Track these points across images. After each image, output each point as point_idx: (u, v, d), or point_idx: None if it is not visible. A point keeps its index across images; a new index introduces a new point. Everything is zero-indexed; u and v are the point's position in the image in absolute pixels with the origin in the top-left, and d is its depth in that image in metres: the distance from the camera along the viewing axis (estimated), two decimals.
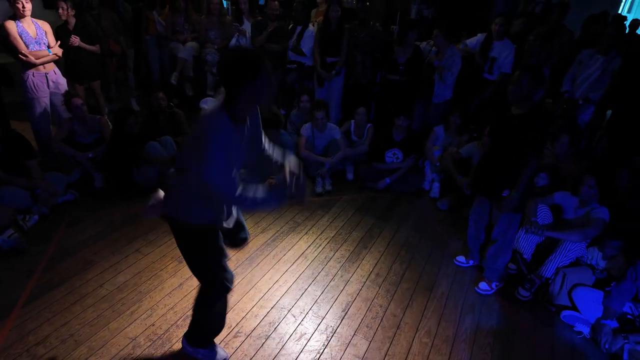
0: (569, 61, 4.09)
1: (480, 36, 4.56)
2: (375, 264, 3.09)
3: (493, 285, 2.91)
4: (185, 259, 1.95)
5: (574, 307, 2.72)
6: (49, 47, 3.72)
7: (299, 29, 4.68)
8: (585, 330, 2.63)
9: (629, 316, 2.57)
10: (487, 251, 2.91)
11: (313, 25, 4.83)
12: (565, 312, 2.72)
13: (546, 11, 5.09)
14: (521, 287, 2.91)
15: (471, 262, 3.16)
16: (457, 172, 3.80)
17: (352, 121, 4.41)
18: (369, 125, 4.37)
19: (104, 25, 4.75)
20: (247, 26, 5.05)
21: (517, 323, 2.70)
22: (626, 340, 2.45)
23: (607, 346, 2.49)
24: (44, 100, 3.77)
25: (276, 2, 4.74)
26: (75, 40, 4.15)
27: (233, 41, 5.15)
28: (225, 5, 6.08)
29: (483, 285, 2.92)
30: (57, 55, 3.77)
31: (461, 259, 3.20)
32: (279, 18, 4.87)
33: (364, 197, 4.02)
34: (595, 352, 2.53)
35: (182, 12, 5.28)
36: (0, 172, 3.17)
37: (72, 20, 4.18)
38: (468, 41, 4.71)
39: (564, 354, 2.51)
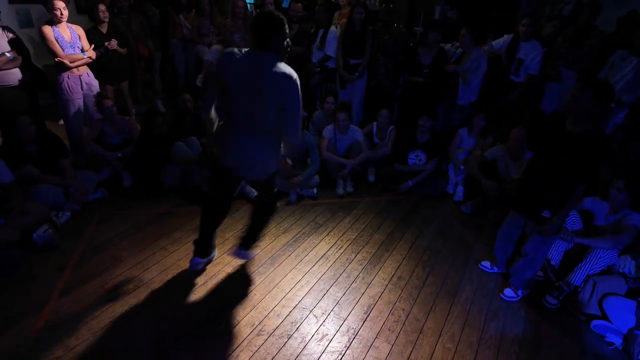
0: (602, 63, 3.96)
1: (507, 37, 4.48)
2: (398, 267, 3.07)
3: (519, 293, 2.84)
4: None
5: (604, 317, 2.63)
6: (82, 50, 3.86)
7: (321, 31, 4.71)
8: (618, 341, 2.53)
9: None
10: (516, 262, 2.84)
11: (336, 27, 4.85)
12: (595, 322, 2.63)
13: (576, 12, 4.94)
14: (549, 294, 2.83)
15: (495, 269, 3.10)
16: (482, 175, 3.73)
17: (375, 123, 4.40)
18: (391, 127, 4.36)
19: (133, 28, 4.90)
20: None
21: (544, 331, 2.63)
22: None
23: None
24: (78, 102, 3.91)
25: (299, 5, 4.78)
26: (114, 43, 4.32)
27: None
28: (249, 9, 6.17)
29: (508, 291, 2.86)
30: (91, 58, 3.92)
31: (486, 264, 3.14)
32: (301, 20, 4.91)
33: (385, 199, 4.00)
34: None
35: (207, 15, 5.39)
36: (35, 170, 3.31)
37: (106, 24, 4.34)
38: (494, 42, 4.63)
39: None
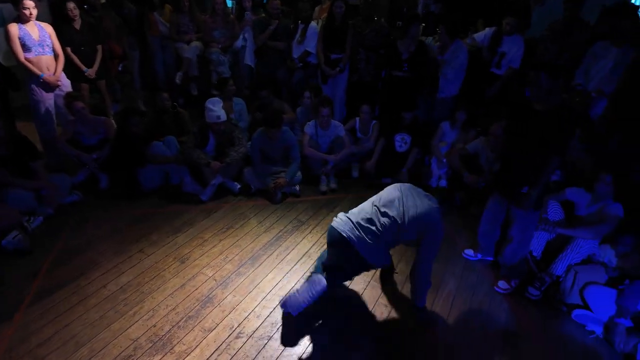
0: (584, 54, 3.96)
1: (488, 30, 4.45)
2: None
3: (512, 283, 2.84)
4: None
5: (586, 306, 2.63)
6: (53, 49, 3.74)
7: (301, 26, 4.64)
8: (598, 330, 2.54)
9: None
10: (504, 250, 2.83)
11: (317, 22, 4.79)
12: (577, 311, 2.64)
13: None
14: (531, 285, 2.82)
15: (479, 255, 3.11)
16: (464, 168, 3.72)
17: (357, 118, 4.36)
18: (374, 122, 4.32)
19: (105, 26, 4.78)
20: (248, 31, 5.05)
21: (527, 322, 2.62)
22: None
23: (621, 346, 2.40)
24: (49, 102, 3.79)
25: (277, 1, 4.71)
26: (91, 72, 4.44)
27: (239, 41, 5.14)
28: (229, 5, 6.07)
29: (502, 284, 2.85)
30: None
31: (469, 252, 3.16)
32: (282, 16, 4.84)
33: (369, 195, 3.93)
34: (609, 352, 2.44)
35: (186, 12, 5.28)
36: (5, 174, 3.19)
37: (79, 21, 4.22)
38: (476, 35, 4.61)
39: (576, 354, 2.42)
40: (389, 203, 2.40)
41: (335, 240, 2.39)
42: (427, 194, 2.48)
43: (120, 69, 5.18)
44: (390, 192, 2.49)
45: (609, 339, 2.48)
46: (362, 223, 2.36)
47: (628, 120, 3.56)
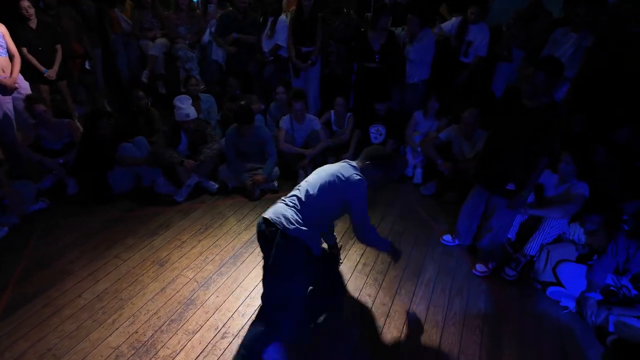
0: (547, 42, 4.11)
1: (455, 20, 4.54)
2: (362, 254, 3.06)
3: (490, 266, 2.93)
4: None
5: (559, 283, 2.76)
6: (8, 50, 3.53)
7: (270, 19, 4.58)
8: (571, 305, 2.66)
9: (612, 288, 2.62)
10: (483, 237, 2.90)
11: (286, 15, 4.73)
12: (551, 289, 2.76)
13: None
14: (507, 266, 2.93)
15: (457, 241, 3.19)
16: (438, 156, 3.80)
17: (332, 111, 4.36)
18: (349, 114, 4.33)
19: (64, 24, 4.55)
20: (214, 25, 4.93)
21: (505, 303, 2.72)
22: (610, 312, 2.49)
23: (592, 318, 2.53)
24: (7, 106, 3.58)
25: None
26: (52, 74, 4.21)
27: (206, 36, 5.01)
28: (195, 0, 5.90)
29: (480, 267, 2.93)
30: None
31: (447, 237, 3.23)
32: (249, 9, 4.75)
33: None
34: (581, 325, 2.56)
35: (149, 8, 5.10)
36: None
37: (35, 20, 4.00)
38: (443, 25, 4.69)
39: (551, 329, 2.54)
40: (304, 183, 2.21)
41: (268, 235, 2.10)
42: (354, 166, 2.23)
43: (87, 67, 4.94)
44: (313, 174, 2.27)
45: (581, 313, 2.61)
46: (288, 209, 2.12)
47: (589, 103, 3.74)
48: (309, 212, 2.12)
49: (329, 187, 2.13)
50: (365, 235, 2.30)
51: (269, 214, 2.14)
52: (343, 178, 2.14)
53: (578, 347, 2.42)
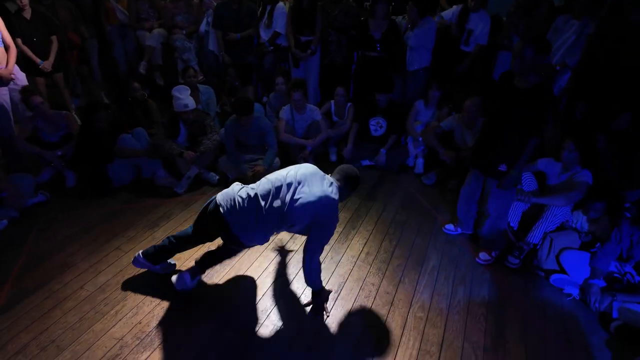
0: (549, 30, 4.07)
1: (455, 8, 4.49)
2: (365, 244, 3.05)
3: (493, 254, 2.92)
4: None
5: (562, 271, 2.75)
6: (3, 40, 3.46)
7: (268, 7, 4.51)
8: (575, 292, 2.66)
9: (615, 275, 2.62)
10: (483, 224, 2.90)
11: (284, 4, 4.66)
12: (554, 276, 2.76)
13: None
14: (510, 255, 2.92)
15: (459, 229, 3.18)
16: (440, 145, 3.77)
17: (332, 102, 4.32)
18: (349, 104, 4.29)
19: (60, 15, 4.47)
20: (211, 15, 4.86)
21: (508, 291, 2.72)
22: (614, 298, 2.50)
23: (596, 305, 2.53)
24: (3, 98, 3.52)
25: None
26: (47, 65, 4.16)
27: (202, 25, 4.95)
28: None
29: (483, 255, 2.93)
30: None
31: (449, 226, 3.23)
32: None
33: None
34: (585, 312, 2.57)
35: None
36: None
37: (29, 10, 3.93)
38: (444, 13, 4.64)
39: (555, 316, 2.54)
40: (278, 188, 2.24)
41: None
42: (332, 181, 2.30)
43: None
44: (287, 174, 2.28)
45: (584, 300, 2.61)
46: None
47: (591, 91, 3.71)
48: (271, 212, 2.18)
49: (310, 205, 2.14)
50: (311, 265, 2.27)
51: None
52: (328, 197, 2.18)
53: (582, 334, 2.43)
